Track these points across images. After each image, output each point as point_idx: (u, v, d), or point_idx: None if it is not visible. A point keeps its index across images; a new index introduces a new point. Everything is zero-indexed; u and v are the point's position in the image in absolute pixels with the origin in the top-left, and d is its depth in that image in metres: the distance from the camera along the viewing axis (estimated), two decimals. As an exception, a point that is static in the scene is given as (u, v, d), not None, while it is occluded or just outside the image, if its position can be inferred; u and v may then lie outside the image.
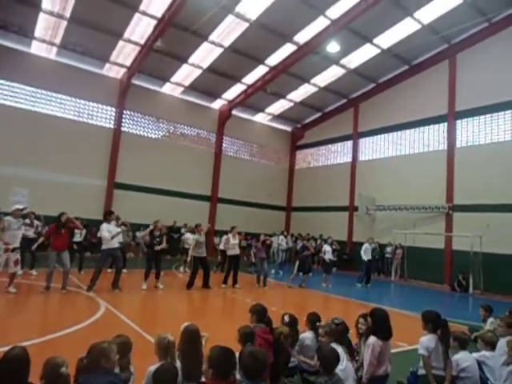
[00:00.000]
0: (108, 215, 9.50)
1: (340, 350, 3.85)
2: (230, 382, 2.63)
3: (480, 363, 4.35)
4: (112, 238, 9.03)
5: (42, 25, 15.64)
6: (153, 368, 2.87)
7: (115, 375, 2.71)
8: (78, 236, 11.54)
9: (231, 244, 11.40)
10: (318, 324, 4.38)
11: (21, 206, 8.31)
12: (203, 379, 3.02)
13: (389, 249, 18.06)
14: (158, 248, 9.80)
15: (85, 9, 14.68)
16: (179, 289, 10.26)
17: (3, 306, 7.20)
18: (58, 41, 16.57)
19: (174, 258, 16.88)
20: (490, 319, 6.60)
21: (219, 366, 2.64)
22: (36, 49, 17.00)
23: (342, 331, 4.28)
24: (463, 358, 4.24)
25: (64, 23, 15.45)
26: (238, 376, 3.26)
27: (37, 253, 10.60)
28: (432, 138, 18.26)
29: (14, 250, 7.85)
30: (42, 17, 15.14)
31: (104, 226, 9.21)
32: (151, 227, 10.04)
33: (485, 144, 16.19)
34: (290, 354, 4.04)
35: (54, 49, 17.10)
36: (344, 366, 3.74)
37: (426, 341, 4.04)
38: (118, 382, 2.63)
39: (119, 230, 9.72)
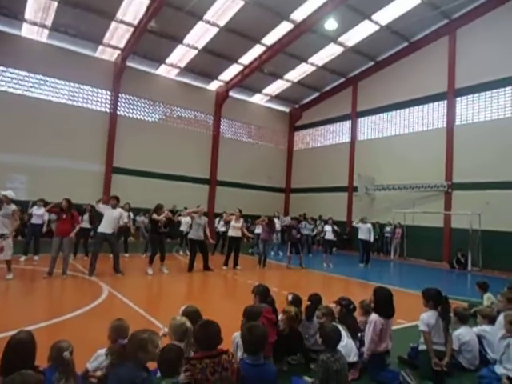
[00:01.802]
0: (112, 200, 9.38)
1: (340, 327, 3.93)
2: (216, 353, 2.64)
3: (480, 337, 4.43)
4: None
5: (33, 6, 15.26)
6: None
7: (146, 371, 2.60)
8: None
9: (231, 224, 11.40)
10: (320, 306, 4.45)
11: (9, 194, 8.05)
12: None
13: (388, 228, 18.17)
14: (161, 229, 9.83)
15: (75, -11, 14.31)
16: (180, 272, 10.34)
17: (8, 292, 7.25)
18: (49, 23, 16.19)
19: (173, 241, 16.96)
20: (487, 295, 6.70)
21: (201, 338, 2.69)
22: (27, 32, 16.62)
23: (350, 310, 4.47)
24: (463, 333, 4.33)
25: (55, 4, 15.07)
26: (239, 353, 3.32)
27: (41, 239, 10.72)
28: (431, 116, 18.11)
29: (1, 236, 7.82)
30: (31, -2, 14.77)
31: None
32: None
33: (484, 121, 16.07)
34: (300, 333, 4.10)
35: (46, 31, 16.73)
36: (345, 343, 3.82)
37: (427, 317, 4.10)
38: (145, 379, 2.52)
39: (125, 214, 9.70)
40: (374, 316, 3.99)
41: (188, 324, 3.18)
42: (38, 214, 10.58)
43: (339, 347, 3.65)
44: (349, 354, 3.79)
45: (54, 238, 8.60)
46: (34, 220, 10.55)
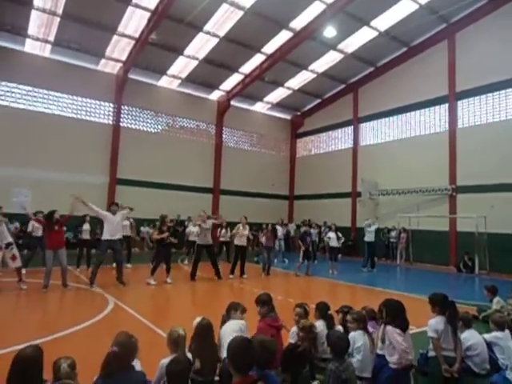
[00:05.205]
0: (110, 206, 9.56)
1: (365, 338, 3.83)
2: (251, 380, 2.43)
3: (491, 344, 4.38)
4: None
5: (35, 22, 15.48)
6: (165, 361, 2.88)
7: (139, 374, 2.71)
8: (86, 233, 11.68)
9: (240, 233, 11.33)
10: (329, 312, 4.39)
11: None
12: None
13: (393, 233, 18.06)
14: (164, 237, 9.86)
15: (77, 4, 14.51)
16: (186, 281, 10.32)
17: (11, 305, 7.24)
18: (51, 38, 16.41)
19: (179, 251, 16.97)
20: (496, 299, 6.64)
21: (236, 358, 2.47)
22: (30, 47, 16.85)
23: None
24: (468, 337, 4.28)
25: (57, 20, 15.29)
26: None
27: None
28: (433, 119, 18.09)
29: (7, 246, 7.84)
30: (34, 14, 14.98)
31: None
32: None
33: (486, 123, 16.04)
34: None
35: (48, 46, 16.95)
36: (361, 357, 3.71)
37: (435, 323, 4.05)
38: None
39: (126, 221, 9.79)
40: (388, 328, 3.82)
41: (181, 332, 3.13)
42: (39, 226, 10.36)
43: (355, 360, 3.59)
44: (363, 369, 3.69)
45: (46, 251, 8.36)
46: (36, 233, 10.37)
